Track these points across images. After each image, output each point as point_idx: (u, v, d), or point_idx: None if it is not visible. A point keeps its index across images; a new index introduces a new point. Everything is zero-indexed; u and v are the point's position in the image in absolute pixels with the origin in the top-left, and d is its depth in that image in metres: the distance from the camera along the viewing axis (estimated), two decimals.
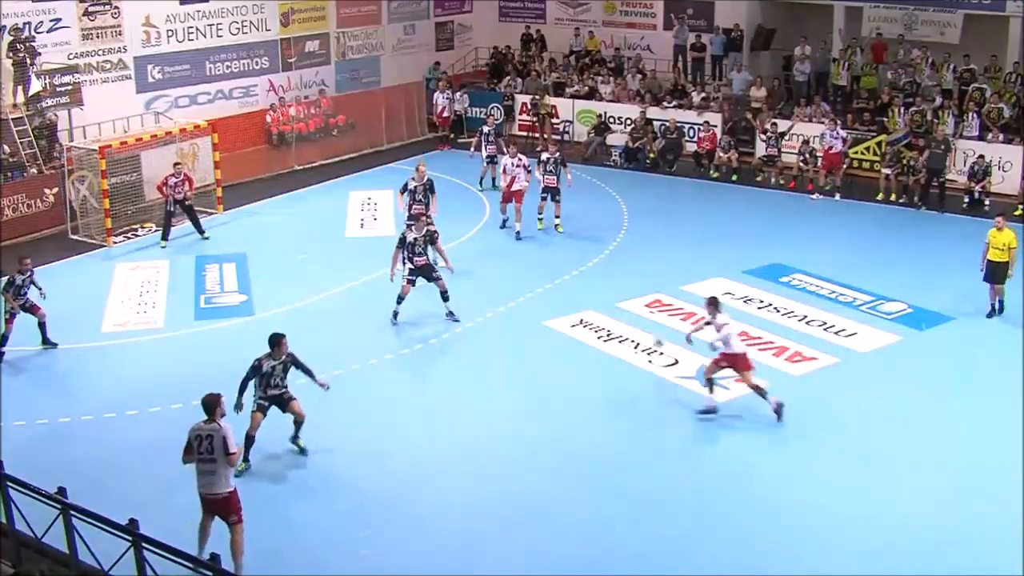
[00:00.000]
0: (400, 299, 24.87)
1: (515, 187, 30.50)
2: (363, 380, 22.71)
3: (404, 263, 24.82)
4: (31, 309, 23.84)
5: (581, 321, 25.16)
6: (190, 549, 13.95)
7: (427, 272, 24.98)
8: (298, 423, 19.70)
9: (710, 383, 20.92)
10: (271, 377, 19.21)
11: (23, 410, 21.29)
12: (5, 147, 32.00)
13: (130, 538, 13.87)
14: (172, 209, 31.21)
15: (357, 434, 20.54)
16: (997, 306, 25.24)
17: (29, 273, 23.92)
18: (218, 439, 15.53)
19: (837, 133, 35.02)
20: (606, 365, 23.17)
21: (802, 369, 22.82)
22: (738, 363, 20.69)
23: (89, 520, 14.42)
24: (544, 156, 31.43)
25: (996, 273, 24.99)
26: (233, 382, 20.97)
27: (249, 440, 18.98)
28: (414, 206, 28.62)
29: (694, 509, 17.94)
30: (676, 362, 23.03)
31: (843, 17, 41.21)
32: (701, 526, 17.47)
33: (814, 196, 35.00)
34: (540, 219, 31.13)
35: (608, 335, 24.43)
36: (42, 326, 24.08)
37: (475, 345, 24.38)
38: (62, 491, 14.79)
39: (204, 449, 15.59)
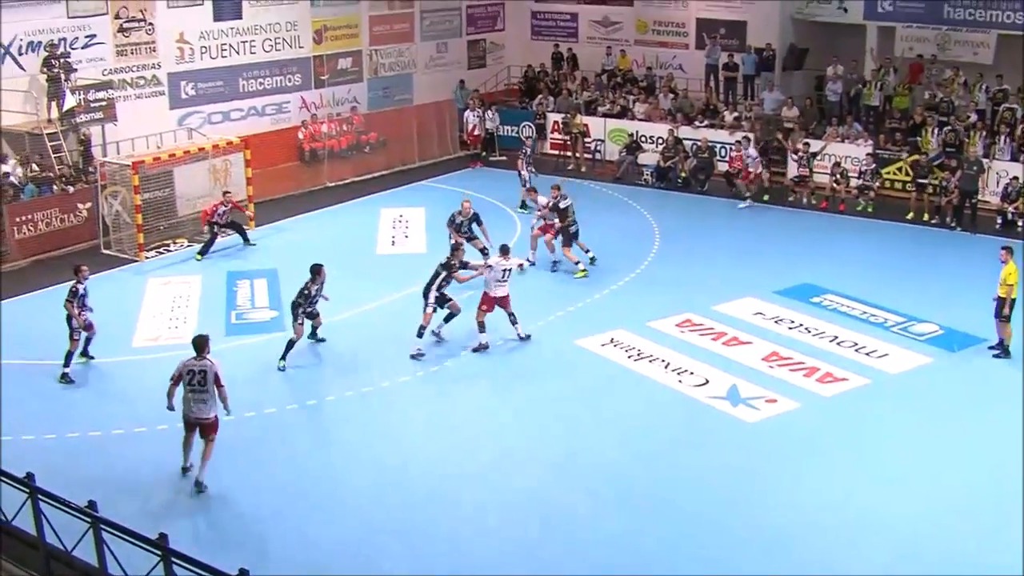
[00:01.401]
0: (423, 329, 24.86)
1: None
2: (393, 397, 22.79)
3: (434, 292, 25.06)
4: (87, 326, 23.95)
5: (612, 340, 25.13)
6: (220, 564, 13.96)
7: (442, 300, 25.15)
8: (316, 327, 25.08)
9: (481, 325, 24.98)
10: (314, 298, 24.37)
11: (54, 423, 21.45)
12: (33, 164, 32.24)
13: (159, 552, 13.91)
14: (217, 231, 31.64)
15: (386, 450, 20.60)
16: (998, 346, 24.35)
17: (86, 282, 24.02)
18: (210, 373, 18.67)
19: (750, 153, 36.11)
20: (636, 384, 23.14)
21: (833, 390, 22.70)
22: (497, 304, 25.08)
23: (119, 534, 14.46)
24: (563, 204, 29.78)
25: (999, 308, 24.09)
26: (265, 396, 21.46)
27: (291, 344, 24.08)
28: (460, 236, 28.88)
29: (720, 528, 17.89)
30: (706, 382, 22.99)
31: (876, 37, 41.08)
32: (726, 545, 17.44)
33: (742, 204, 36.09)
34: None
35: (639, 354, 24.39)
36: (88, 340, 24.17)
37: (506, 363, 24.39)
38: (92, 504, 14.84)
39: (196, 382, 18.72)
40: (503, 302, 25.15)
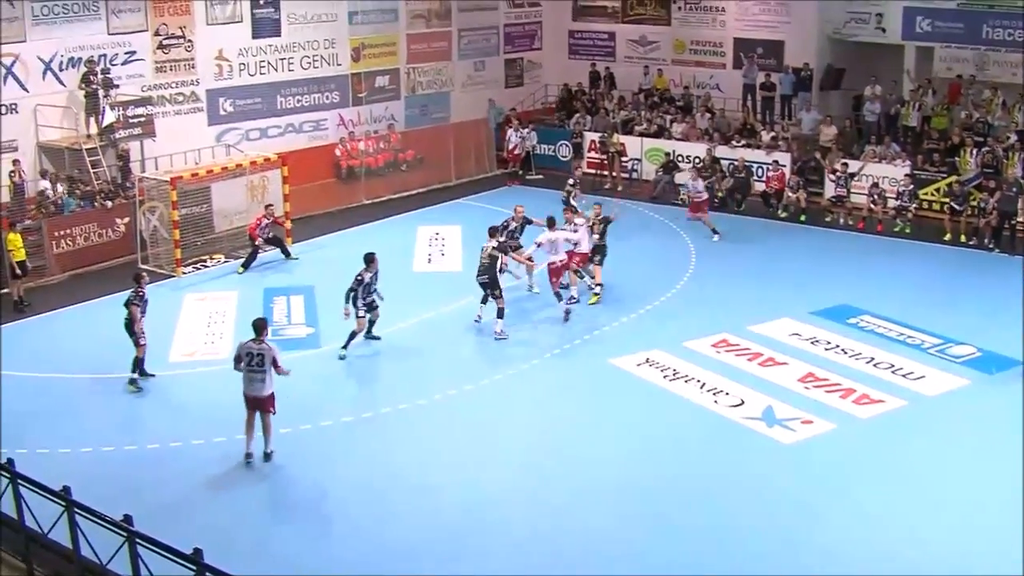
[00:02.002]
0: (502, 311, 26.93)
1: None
2: (428, 415, 22.81)
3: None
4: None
5: (647, 360, 25.06)
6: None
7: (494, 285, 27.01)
8: (373, 322, 25.97)
9: (558, 295, 27.55)
10: (370, 286, 25.42)
11: (89, 436, 21.57)
12: (59, 184, 32.45)
13: (194, 567, 13.92)
14: (260, 244, 32.04)
15: (418, 467, 20.56)
16: None
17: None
18: (268, 356, 20.21)
19: (697, 183, 34.78)
20: (671, 404, 23.06)
21: (869, 412, 22.55)
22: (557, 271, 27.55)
23: (154, 548, 14.48)
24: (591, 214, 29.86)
25: None
26: (300, 413, 21.42)
27: (353, 335, 25.43)
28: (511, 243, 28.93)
29: (754, 549, 17.78)
30: (742, 402, 22.91)
31: (914, 57, 40.96)
32: (760, 566, 17.32)
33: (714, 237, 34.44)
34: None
35: (674, 374, 24.33)
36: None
37: (541, 382, 24.36)
38: (128, 518, 14.86)
39: (255, 363, 20.23)
40: (562, 268, 27.64)
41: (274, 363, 20.22)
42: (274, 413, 20.54)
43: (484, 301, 26.98)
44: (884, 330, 26.68)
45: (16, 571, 16.49)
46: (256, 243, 31.92)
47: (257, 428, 20.59)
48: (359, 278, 25.24)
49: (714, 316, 27.59)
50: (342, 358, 25.24)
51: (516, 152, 42.08)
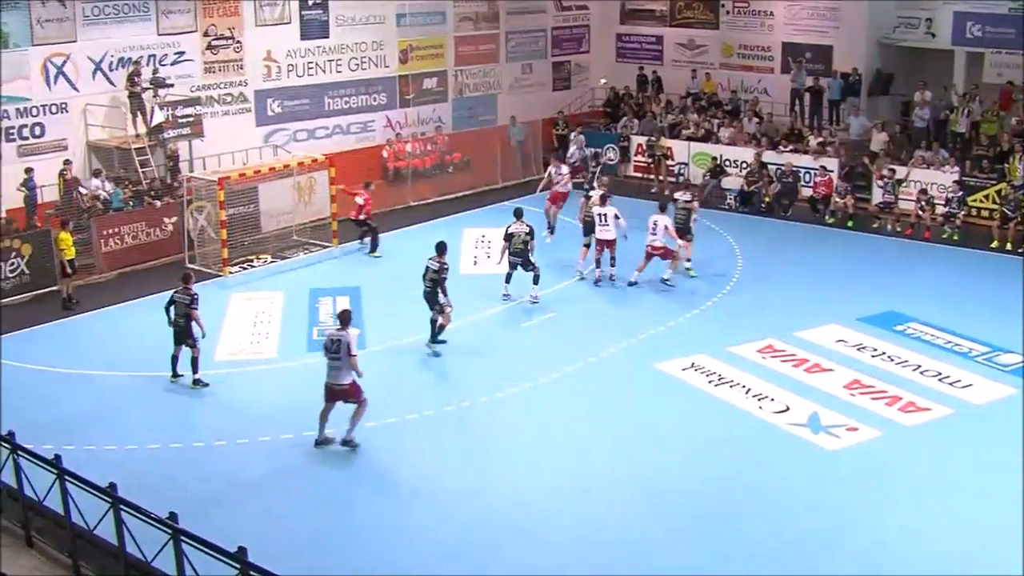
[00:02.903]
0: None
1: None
2: (470, 417, 22.81)
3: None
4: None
5: (693, 364, 24.97)
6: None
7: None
8: (435, 321, 25.67)
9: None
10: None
11: (135, 434, 21.70)
12: (102, 182, 32.71)
13: (238, 566, 13.98)
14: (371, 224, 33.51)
15: (460, 471, 20.55)
16: None
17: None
18: (344, 344, 20.52)
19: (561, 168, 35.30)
20: (716, 409, 22.98)
21: (915, 420, 22.39)
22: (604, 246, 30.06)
23: (198, 546, 14.56)
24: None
25: None
26: (345, 414, 21.26)
27: (442, 328, 25.64)
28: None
29: (797, 556, 17.66)
30: (787, 408, 22.80)
31: (964, 63, 40.68)
32: (802, 571, 17.20)
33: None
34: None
35: (719, 379, 24.24)
36: (176, 359, 24.41)
37: (586, 386, 24.29)
38: (173, 516, 14.94)
39: (334, 350, 20.60)
40: (607, 245, 30.02)
41: (348, 350, 20.49)
42: (359, 402, 20.90)
43: (508, 280, 28.94)
44: (931, 337, 26.51)
45: (63, 567, 16.65)
46: (366, 223, 33.49)
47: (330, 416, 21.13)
48: (445, 266, 25.39)
49: (760, 321, 27.48)
50: (438, 355, 25.64)
51: (577, 166, 39.47)
